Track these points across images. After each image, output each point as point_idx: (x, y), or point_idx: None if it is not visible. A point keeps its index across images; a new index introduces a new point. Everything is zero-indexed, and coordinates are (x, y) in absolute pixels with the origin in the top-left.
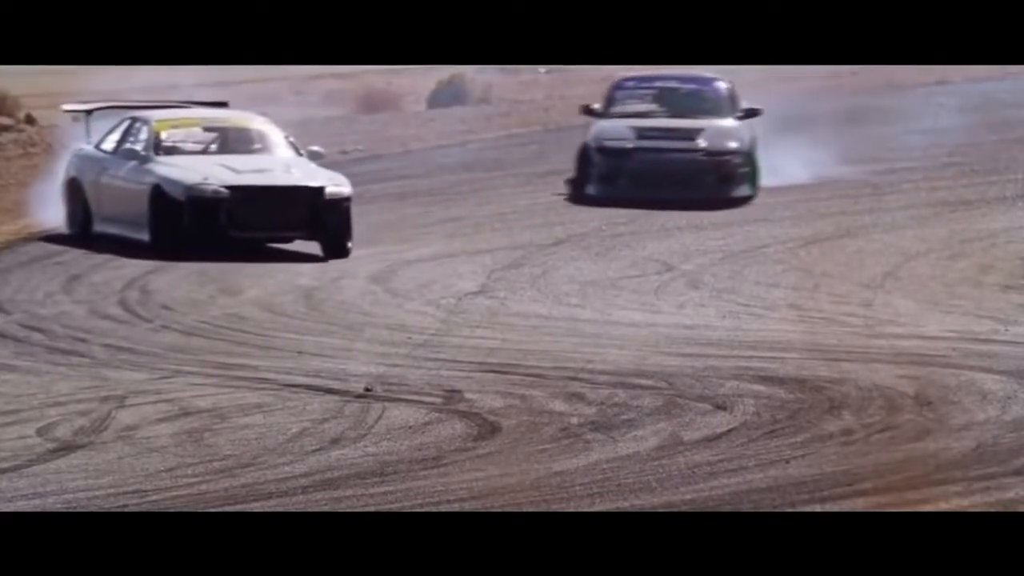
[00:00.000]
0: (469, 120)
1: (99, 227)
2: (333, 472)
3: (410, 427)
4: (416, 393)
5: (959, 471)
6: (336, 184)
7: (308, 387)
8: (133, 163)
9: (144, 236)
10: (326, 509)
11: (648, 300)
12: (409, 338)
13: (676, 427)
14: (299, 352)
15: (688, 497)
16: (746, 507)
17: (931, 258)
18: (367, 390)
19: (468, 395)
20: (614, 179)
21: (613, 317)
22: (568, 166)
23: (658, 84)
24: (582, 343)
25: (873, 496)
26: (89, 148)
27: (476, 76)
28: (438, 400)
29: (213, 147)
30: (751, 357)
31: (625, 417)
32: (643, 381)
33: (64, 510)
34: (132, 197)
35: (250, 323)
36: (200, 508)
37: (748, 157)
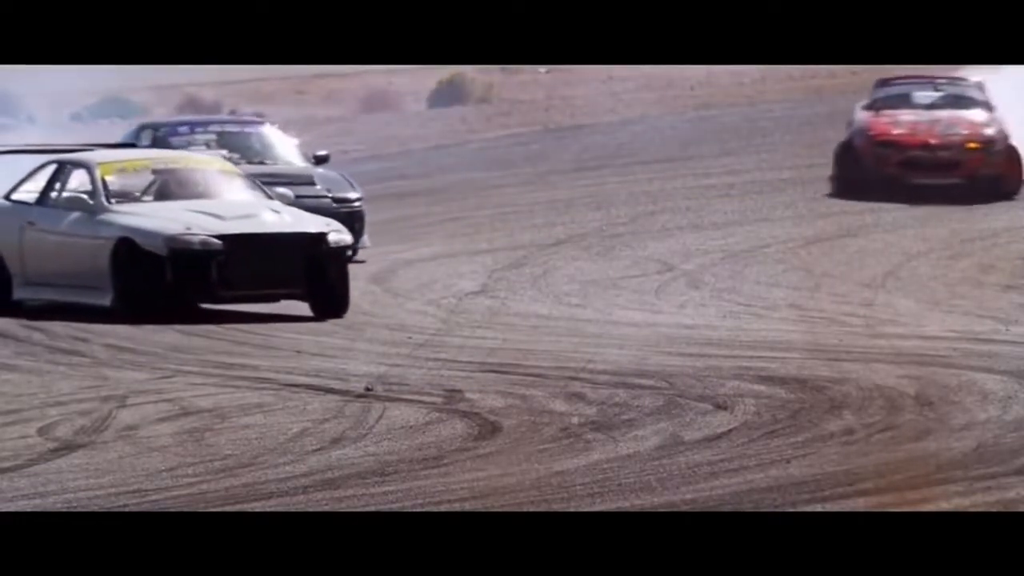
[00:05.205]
0: (469, 120)
1: (24, 292)
2: (334, 472)
3: (411, 427)
4: (417, 393)
5: (960, 471)
6: (337, 230)
7: (309, 387)
8: (78, 214)
9: (102, 300)
10: (327, 509)
11: (649, 300)
12: (410, 338)
13: (677, 427)
14: (299, 352)
15: (689, 497)
16: (747, 507)
17: (932, 258)
18: (368, 390)
19: (469, 395)
20: None
21: (614, 317)
22: (567, 166)
23: (214, 128)
24: (583, 343)
25: (874, 496)
26: None
27: (476, 76)
28: (439, 400)
29: (148, 196)
30: (752, 357)
31: (626, 417)
32: (644, 381)
33: (65, 510)
34: (83, 254)
35: (250, 323)
36: (200, 508)
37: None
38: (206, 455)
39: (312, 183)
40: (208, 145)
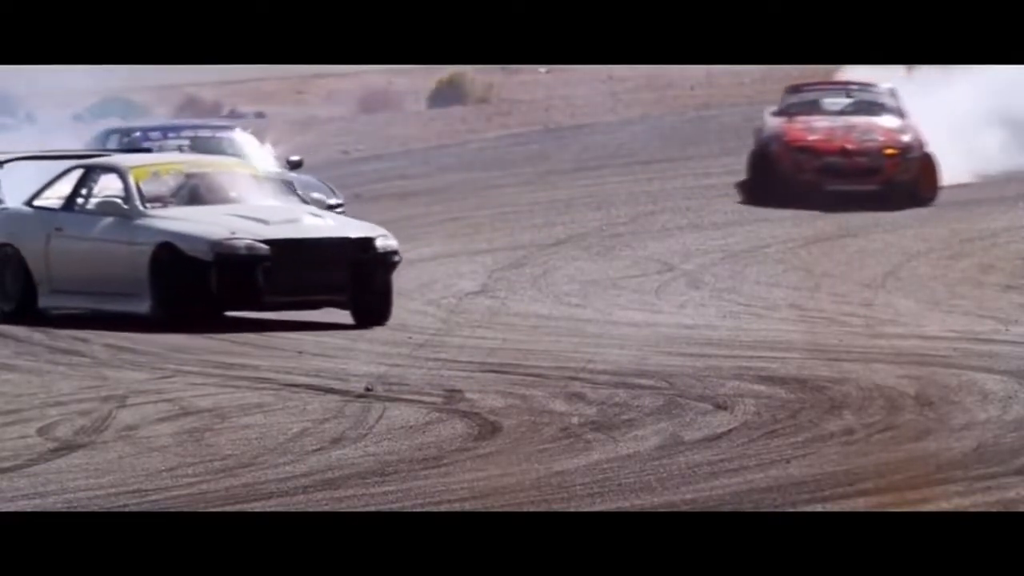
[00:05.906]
0: (469, 120)
1: (51, 301)
2: (334, 472)
3: (411, 427)
4: (417, 393)
5: (960, 471)
6: (383, 235)
7: (309, 387)
8: (112, 219)
9: (140, 307)
10: (327, 509)
11: (649, 300)
12: (410, 338)
13: (677, 427)
14: (300, 352)
15: (689, 497)
16: (747, 507)
17: (932, 258)
18: (368, 390)
19: (469, 395)
20: None
21: (614, 317)
22: (567, 166)
23: (186, 133)
24: (583, 343)
25: (874, 496)
26: (18, 206)
27: (476, 76)
28: (439, 400)
29: (173, 201)
30: (752, 357)
31: (626, 417)
32: (644, 381)
33: (65, 510)
34: (119, 260)
35: (250, 323)
36: (200, 508)
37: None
38: (206, 455)
39: (292, 188)
40: (180, 150)
